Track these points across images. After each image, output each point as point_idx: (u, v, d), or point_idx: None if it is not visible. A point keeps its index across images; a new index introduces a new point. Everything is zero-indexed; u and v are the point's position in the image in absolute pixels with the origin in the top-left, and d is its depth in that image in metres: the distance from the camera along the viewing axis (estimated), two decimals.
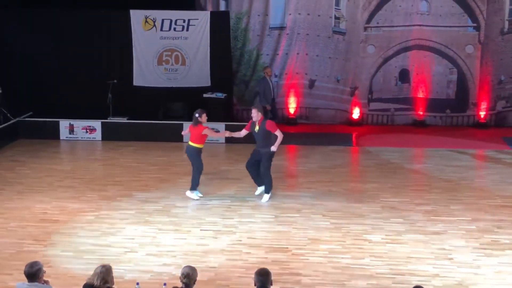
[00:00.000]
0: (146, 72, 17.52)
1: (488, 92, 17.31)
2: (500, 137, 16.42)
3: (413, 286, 6.56)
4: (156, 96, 17.21)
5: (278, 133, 11.62)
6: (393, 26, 17.29)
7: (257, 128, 11.67)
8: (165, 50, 17.46)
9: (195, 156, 11.81)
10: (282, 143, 15.71)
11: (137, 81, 17.53)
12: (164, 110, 17.01)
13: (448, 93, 17.56)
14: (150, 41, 17.37)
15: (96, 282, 6.62)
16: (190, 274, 6.65)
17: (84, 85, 17.03)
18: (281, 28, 17.45)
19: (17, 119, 16.46)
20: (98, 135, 16.27)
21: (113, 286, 6.79)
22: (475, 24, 17.09)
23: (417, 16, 17.10)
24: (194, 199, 11.84)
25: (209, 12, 17.23)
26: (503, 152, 15.10)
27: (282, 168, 14.31)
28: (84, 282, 6.78)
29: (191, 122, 11.86)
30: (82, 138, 16.26)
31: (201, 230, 10.57)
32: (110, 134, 16.21)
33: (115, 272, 8.75)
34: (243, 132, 11.95)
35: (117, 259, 9.43)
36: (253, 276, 6.68)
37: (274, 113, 16.35)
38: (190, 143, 11.79)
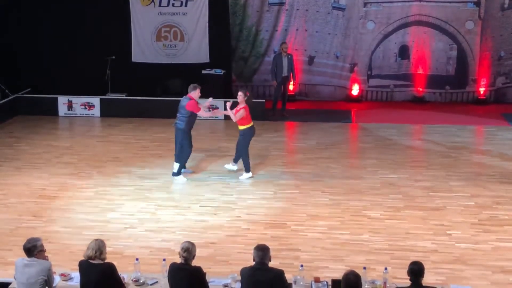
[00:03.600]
0: (144, 48, 17.44)
1: (488, 68, 17.23)
2: (499, 114, 16.38)
3: (411, 261, 6.57)
4: (155, 72, 17.13)
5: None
6: (392, 2, 17.15)
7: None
8: (164, 26, 17.37)
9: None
10: (281, 119, 15.84)
11: (136, 57, 17.46)
12: (163, 86, 16.96)
13: (448, 69, 17.47)
14: (148, 17, 17.28)
15: (92, 253, 6.64)
16: (190, 248, 6.67)
17: (82, 62, 16.94)
18: (280, 4, 17.32)
19: (15, 95, 16.41)
20: (96, 111, 16.23)
21: (112, 262, 6.79)
22: (475, 0, 16.97)
23: None
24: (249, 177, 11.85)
25: None
26: (502, 129, 15.08)
27: (281, 145, 14.31)
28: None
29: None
30: (80, 114, 16.22)
31: (200, 206, 10.59)
32: (109, 110, 16.17)
33: (115, 248, 8.84)
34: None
35: (116, 235, 9.47)
36: (252, 251, 6.70)
37: (283, 91, 16.12)
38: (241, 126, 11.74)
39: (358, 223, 9.93)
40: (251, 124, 11.70)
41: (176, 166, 11.76)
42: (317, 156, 13.15)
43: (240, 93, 11.70)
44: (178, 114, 11.63)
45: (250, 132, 11.75)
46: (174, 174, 11.77)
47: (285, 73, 15.90)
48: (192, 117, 11.66)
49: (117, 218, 10.10)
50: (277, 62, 15.95)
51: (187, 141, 11.66)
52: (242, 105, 11.56)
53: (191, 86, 11.70)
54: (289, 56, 16.01)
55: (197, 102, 11.64)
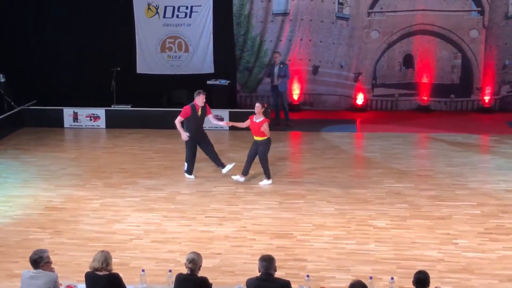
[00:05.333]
0: (149, 59, 17.50)
1: (493, 76, 17.22)
2: (504, 122, 16.36)
3: (417, 271, 6.56)
4: (160, 83, 17.20)
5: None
6: (396, 11, 17.18)
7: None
8: (168, 37, 17.43)
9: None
10: (285, 129, 15.84)
11: (141, 68, 17.53)
12: (168, 97, 17.00)
13: (452, 78, 17.47)
14: (153, 28, 17.34)
15: (98, 265, 6.65)
16: (196, 259, 6.67)
17: (87, 73, 17.02)
18: (285, 14, 17.36)
19: (21, 107, 16.47)
20: (102, 122, 16.27)
21: (117, 273, 6.79)
22: (479, 9, 16.98)
23: (421, 0, 16.99)
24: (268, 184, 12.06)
25: None
26: (507, 137, 15.04)
27: (287, 155, 14.32)
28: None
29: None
30: (86, 126, 16.27)
31: (206, 217, 10.60)
32: (114, 121, 16.21)
33: (121, 259, 8.84)
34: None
35: (122, 246, 9.47)
36: (258, 262, 6.69)
37: (281, 101, 16.23)
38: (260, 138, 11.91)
39: (364, 232, 9.91)
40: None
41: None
42: (322, 166, 13.15)
43: (258, 104, 11.86)
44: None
45: (270, 142, 12.02)
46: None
47: (275, 82, 16.03)
48: (188, 122, 12.03)
49: (123, 229, 10.11)
50: (270, 71, 16.19)
51: (186, 145, 12.23)
52: (261, 117, 11.74)
53: (196, 92, 12.10)
54: (281, 66, 16.08)
55: (189, 110, 11.89)
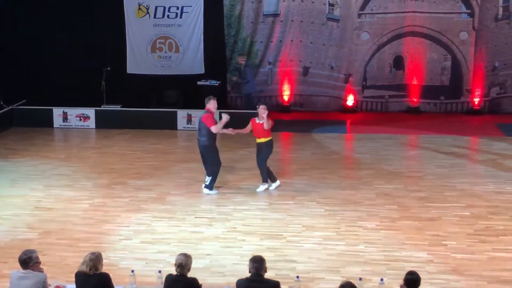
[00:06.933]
0: (139, 59, 17.47)
1: (482, 78, 17.29)
2: (494, 124, 16.43)
3: (408, 271, 6.56)
4: (150, 83, 17.17)
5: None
6: (387, 13, 17.23)
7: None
8: (159, 37, 17.41)
9: None
10: (276, 130, 15.82)
11: (131, 68, 17.50)
12: (158, 97, 16.97)
13: (442, 79, 17.53)
14: (143, 29, 17.32)
15: (86, 270, 6.63)
16: (183, 263, 6.65)
17: (77, 73, 16.97)
18: (275, 15, 17.38)
19: (11, 107, 16.39)
20: (91, 123, 16.22)
21: (107, 272, 6.77)
22: (469, 11, 17.05)
23: (411, 2, 17.03)
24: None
25: None
26: (496, 139, 15.12)
27: (277, 156, 14.31)
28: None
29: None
30: (75, 126, 16.21)
31: (195, 217, 10.58)
32: (104, 122, 16.17)
33: (110, 260, 8.80)
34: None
35: (111, 247, 9.44)
36: (248, 263, 6.69)
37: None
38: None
39: (354, 233, 9.92)
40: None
41: (208, 179, 11.60)
42: (312, 167, 13.16)
43: (262, 106, 11.41)
44: (198, 130, 11.51)
45: (272, 144, 11.69)
46: (206, 187, 11.62)
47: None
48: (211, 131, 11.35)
49: (113, 230, 10.08)
50: None
51: (214, 157, 11.49)
52: (263, 119, 11.32)
53: (206, 98, 11.55)
54: (242, 68, 16.44)
55: (213, 116, 11.35)
